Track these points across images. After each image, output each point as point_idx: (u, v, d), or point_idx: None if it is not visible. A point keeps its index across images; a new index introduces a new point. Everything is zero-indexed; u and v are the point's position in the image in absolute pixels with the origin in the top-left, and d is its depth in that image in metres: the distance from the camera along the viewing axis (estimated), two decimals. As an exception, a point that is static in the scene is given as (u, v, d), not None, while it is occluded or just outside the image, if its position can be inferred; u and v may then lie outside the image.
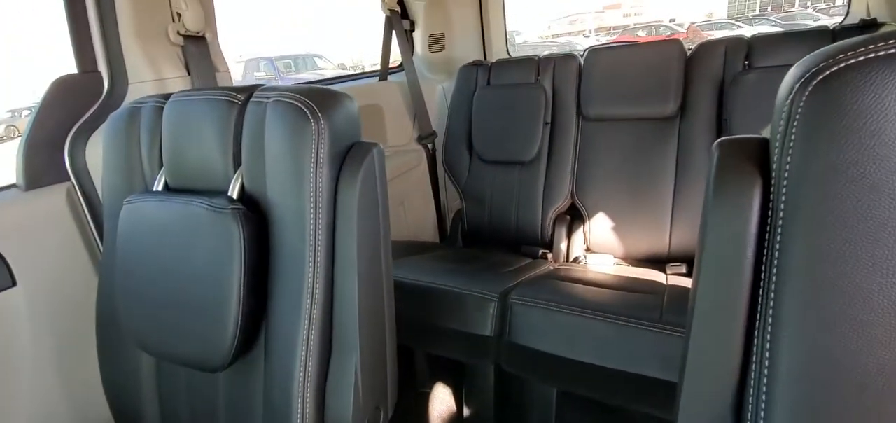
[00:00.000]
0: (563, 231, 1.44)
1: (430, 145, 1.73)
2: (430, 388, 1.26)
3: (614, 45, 1.64)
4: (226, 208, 0.58)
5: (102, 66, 1.00)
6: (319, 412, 0.60)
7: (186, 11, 1.03)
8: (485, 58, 1.91)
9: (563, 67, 1.47)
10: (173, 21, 1.04)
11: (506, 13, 1.92)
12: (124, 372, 0.74)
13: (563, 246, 1.43)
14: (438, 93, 1.77)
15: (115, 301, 0.71)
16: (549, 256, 1.43)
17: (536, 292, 0.98)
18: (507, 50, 1.97)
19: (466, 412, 1.16)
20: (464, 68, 1.61)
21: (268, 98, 0.61)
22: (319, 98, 0.59)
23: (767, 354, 0.35)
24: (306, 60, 8.52)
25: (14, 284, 0.83)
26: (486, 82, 1.55)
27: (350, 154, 0.60)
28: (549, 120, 1.45)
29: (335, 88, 1.66)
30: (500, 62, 1.60)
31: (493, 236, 1.51)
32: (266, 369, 0.60)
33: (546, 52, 1.55)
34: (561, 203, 1.43)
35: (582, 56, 1.48)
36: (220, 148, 0.64)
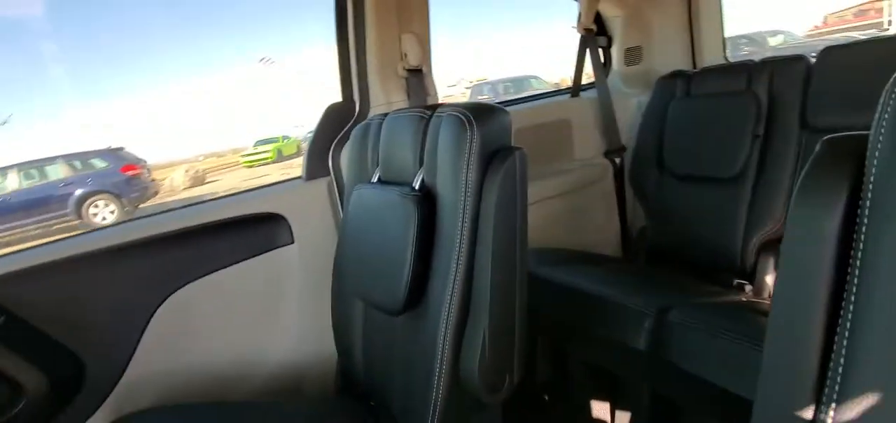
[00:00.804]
0: (771, 263, 1.23)
1: (617, 160, 1.71)
2: (584, 397, 1.26)
3: (860, 41, 1.31)
4: (408, 195, 0.79)
5: (355, 96, 1.38)
6: (455, 363, 0.74)
7: (410, 51, 1.34)
8: (694, 66, 1.77)
9: (784, 72, 1.26)
10: (401, 59, 1.36)
11: (723, 15, 1.74)
12: (345, 314, 1.04)
13: (770, 280, 1.23)
14: (633, 107, 1.73)
15: (344, 259, 1.00)
16: (749, 289, 1.24)
17: (705, 315, 0.91)
18: (725, 56, 1.78)
19: None
20: (661, 80, 1.54)
21: (443, 113, 0.79)
22: (476, 111, 0.74)
23: (842, 363, 0.31)
24: (523, 82, 9.02)
25: (293, 242, 1.24)
26: (685, 93, 1.45)
27: (496, 157, 0.73)
28: (760, 132, 1.27)
29: (528, 105, 1.80)
30: (705, 70, 1.48)
31: (681, 259, 1.40)
32: (425, 320, 0.78)
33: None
34: (770, 228, 1.23)
35: (813, 57, 1.25)
36: (412, 151, 0.85)
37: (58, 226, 6.54)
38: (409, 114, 0.88)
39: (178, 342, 1.13)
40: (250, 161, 10.07)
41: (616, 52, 1.83)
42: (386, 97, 1.35)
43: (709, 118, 1.35)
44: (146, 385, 1.09)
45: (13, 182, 6.72)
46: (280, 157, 10.07)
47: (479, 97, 8.70)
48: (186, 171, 9.57)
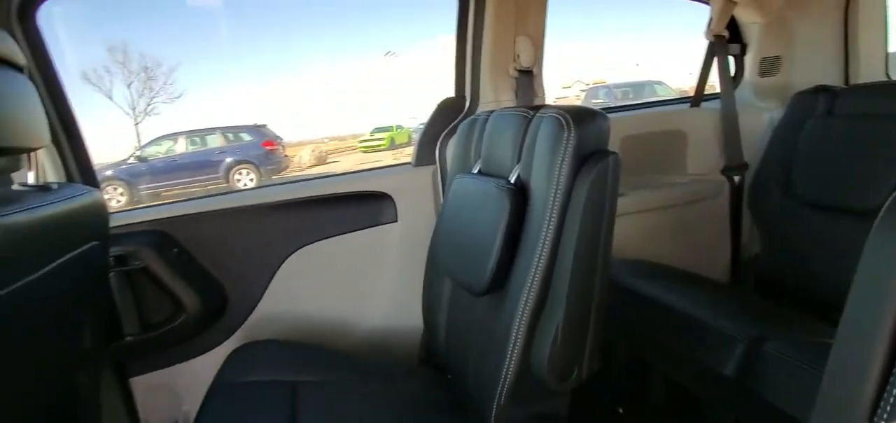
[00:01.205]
0: None
1: (737, 178, 1.57)
2: (663, 414, 1.20)
3: None
4: (504, 188, 0.84)
5: (467, 92, 1.47)
6: (527, 348, 0.78)
7: (523, 53, 1.38)
8: (846, 81, 1.56)
9: None
10: (513, 60, 1.40)
11: (889, 26, 1.50)
12: (434, 291, 1.12)
13: None
14: (763, 122, 1.57)
15: (438, 241, 1.09)
16: None
17: (807, 352, 0.82)
18: (886, 73, 1.53)
19: None
20: (798, 95, 1.39)
21: (545, 114, 0.83)
22: (576, 114, 0.77)
23: (892, 400, 0.30)
24: (643, 87, 8.46)
25: (397, 220, 1.37)
26: (827, 111, 1.29)
27: (590, 159, 0.75)
28: None
29: (642, 112, 1.74)
30: (854, 88, 1.30)
31: (797, 295, 1.25)
32: (504, 304, 0.83)
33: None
34: None
35: None
36: (511, 147, 0.90)
37: (211, 186, 7.76)
38: (513, 112, 0.93)
39: (297, 292, 1.33)
40: (366, 146, 10.89)
41: (750, 62, 1.68)
42: (495, 95, 1.41)
43: (852, 141, 1.19)
44: (269, 321, 1.30)
45: (181, 146, 8.13)
46: (393, 145, 10.72)
47: (594, 101, 8.37)
48: (312, 151, 10.68)
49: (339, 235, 1.36)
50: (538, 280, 0.76)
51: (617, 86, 8.85)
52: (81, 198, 0.82)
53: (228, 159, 8.02)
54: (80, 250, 0.80)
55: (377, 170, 1.49)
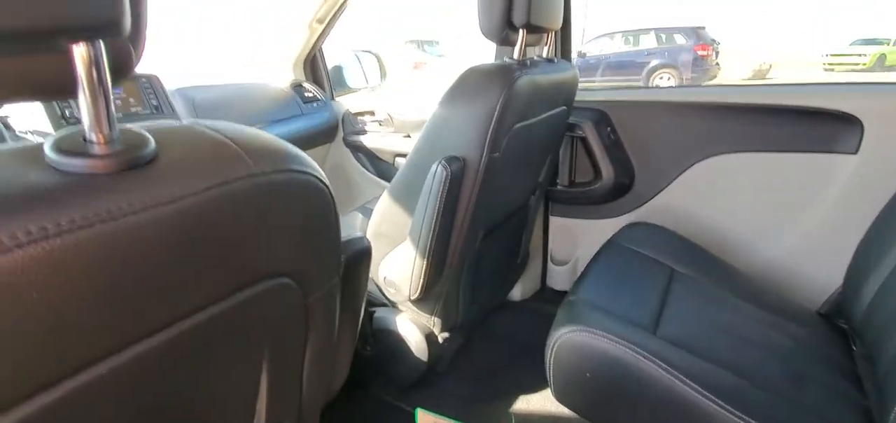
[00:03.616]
0: None
1: None
2: None
3: None
4: None
5: None
6: None
7: None
8: None
9: None
10: None
11: None
12: (875, 246, 0.90)
13: None
14: None
15: None
16: None
17: None
18: None
19: None
20: None
21: None
22: None
23: None
24: None
25: (855, 153, 1.11)
26: None
27: None
28: None
29: None
30: None
31: None
32: None
33: None
34: None
35: None
36: None
37: (625, 86, 8.02)
38: None
39: (700, 195, 1.34)
40: (833, 64, 8.28)
41: None
42: None
43: None
44: (665, 211, 1.39)
45: (617, 45, 8.58)
46: (880, 65, 7.73)
47: None
48: (751, 62, 9.06)
49: (765, 151, 1.24)
50: None
51: None
52: (567, 72, 1.12)
53: (654, 62, 7.97)
54: (558, 110, 1.12)
55: (846, 85, 1.19)
